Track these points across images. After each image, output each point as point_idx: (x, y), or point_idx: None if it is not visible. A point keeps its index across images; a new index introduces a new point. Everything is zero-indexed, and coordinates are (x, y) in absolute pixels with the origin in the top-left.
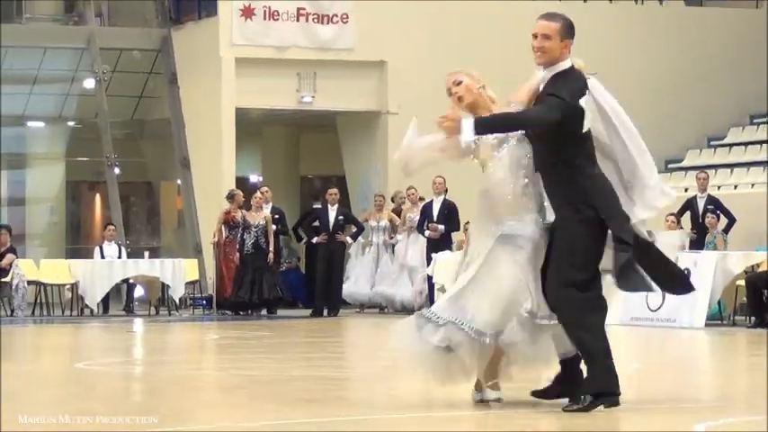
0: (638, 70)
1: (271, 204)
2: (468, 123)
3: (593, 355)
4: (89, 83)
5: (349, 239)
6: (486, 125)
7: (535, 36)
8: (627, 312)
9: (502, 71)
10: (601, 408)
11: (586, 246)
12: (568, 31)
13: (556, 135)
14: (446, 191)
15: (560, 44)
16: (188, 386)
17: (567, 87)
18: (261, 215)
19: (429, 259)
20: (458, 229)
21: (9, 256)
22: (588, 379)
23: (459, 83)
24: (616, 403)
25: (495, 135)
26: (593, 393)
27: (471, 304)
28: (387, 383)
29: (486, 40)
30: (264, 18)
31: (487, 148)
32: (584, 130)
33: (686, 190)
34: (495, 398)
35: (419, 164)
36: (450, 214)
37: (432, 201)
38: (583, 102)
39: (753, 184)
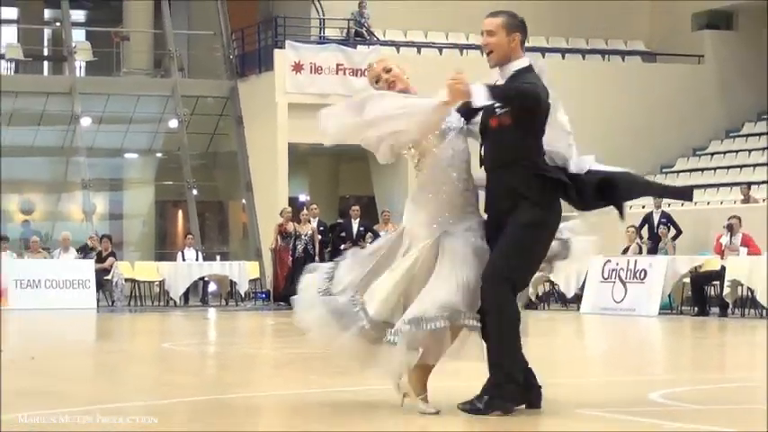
0: (606, 113)
1: (317, 219)
2: (479, 88)
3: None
4: (173, 123)
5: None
6: (499, 93)
7: (482, 34)
8: (596, 303)
9: None
10: (498, 413)
11: (534, 249)
12: (514, 24)
13: (525, 127)
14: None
15: (507, 39)
16: (251, 362)
17: (534, 83)
18: (308, 227)
19: None
20: None
21: (110, 260)
22: (493, 382)
23: (390, 70)
24: (509, 412)
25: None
26: (491, 396)
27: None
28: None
29: None
30: (310, 72)
31: (429, 141)
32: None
33: (643, 207)
34: (434, 411)
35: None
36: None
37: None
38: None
39: (696, 203)
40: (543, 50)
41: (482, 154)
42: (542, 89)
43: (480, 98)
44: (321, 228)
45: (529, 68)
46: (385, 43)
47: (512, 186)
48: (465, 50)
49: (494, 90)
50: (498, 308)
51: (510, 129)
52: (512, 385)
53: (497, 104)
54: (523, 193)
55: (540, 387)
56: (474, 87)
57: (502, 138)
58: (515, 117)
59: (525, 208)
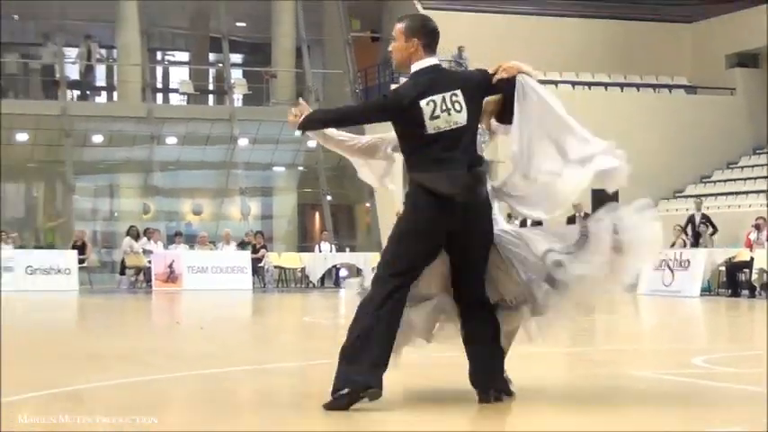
0: (657, 134)
1: None
2: (295, 122)
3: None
4: (311, 143)
5: None
6: (305, 125)
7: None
8: (650, 286)
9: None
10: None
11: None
12: (413, 28)
13: (400, 133)
14: None
15: (405, 44)
16: None
17: (400, 86)
18: None
19: None
20: None
21: (262, 251)
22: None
23: None
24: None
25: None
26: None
27: None
28: None
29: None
30: None
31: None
32: (428, 131)
33: (687, 209)
34: None
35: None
36: None
37: None
38: (424, 102)
39: (729, 206)
40: (606, 84)
41: None
42: (398, 94)
43: (297, 132)
44: None
45: (426, 70)
46: None
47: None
48: (543, 84)
49: (303, 123)
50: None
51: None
52: None
53: None
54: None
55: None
56: (289, 120)
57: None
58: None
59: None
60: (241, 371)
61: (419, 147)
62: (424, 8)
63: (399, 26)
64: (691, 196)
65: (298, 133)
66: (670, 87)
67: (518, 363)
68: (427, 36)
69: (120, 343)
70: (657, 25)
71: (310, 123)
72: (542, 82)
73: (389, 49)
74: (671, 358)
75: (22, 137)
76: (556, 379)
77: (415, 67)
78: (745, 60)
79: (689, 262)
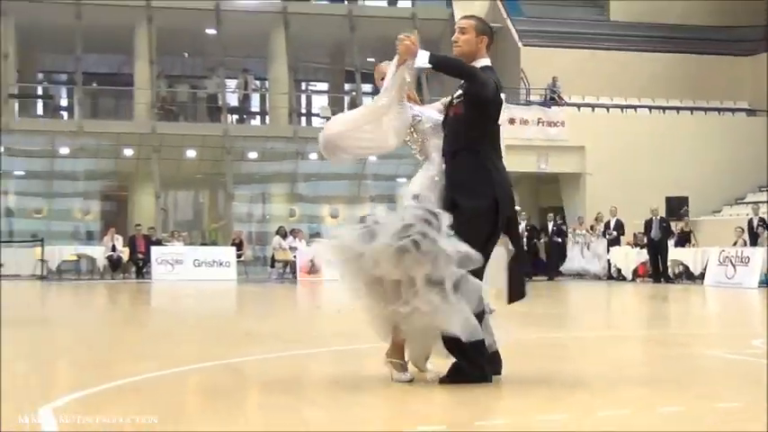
0: (724, 150)
1: (525, 221)
2: (424, 52)
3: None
4: None
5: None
6: (440, 59)
7: (454, 31)
8: (714, 279)
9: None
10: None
11: (477, 237)
12: (483, 28)
13: (473, 117)
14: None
15: (476, 38)
16: None
17: (492, 80)
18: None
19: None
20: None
21: None
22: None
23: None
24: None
25: (432, 122)
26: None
27: None
28: None
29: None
30: (520, 124)
31: (428, 134)
32: (500, 122)
33: (747, 215)
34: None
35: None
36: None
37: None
38: (503, 96)
39: None
40: (678, 108)
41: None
42: (493, 83)
43: (422, 59)
44: (528, 227)
45: (490, 68)
46: (570, 104)
47: (456, 173)
48: (624, 110)
49: (437, 56)
50: None
51: (461, 118)
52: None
53: (456, 95)
54: (464, 182)
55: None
56: (420, 51)
57: (456, 127)
58: (466, 107)
59: (464, 196)
60: (370, 347)
61: (489, 135)
62: (524, 45)
63: (471, 22)
64: (750, 203)
65: (422, 59)
66: (733, 110)
67: (601, 345)
68: (490, 38)
69: (270, 323)
70: (722, 58)
71: (434, 55)
72: (623, 107)
73: (454, 38)
74: (734, 340)
75: (191, 153)
76: (635, 359)
77: (482, 62)
78: None
79: (749, 258)
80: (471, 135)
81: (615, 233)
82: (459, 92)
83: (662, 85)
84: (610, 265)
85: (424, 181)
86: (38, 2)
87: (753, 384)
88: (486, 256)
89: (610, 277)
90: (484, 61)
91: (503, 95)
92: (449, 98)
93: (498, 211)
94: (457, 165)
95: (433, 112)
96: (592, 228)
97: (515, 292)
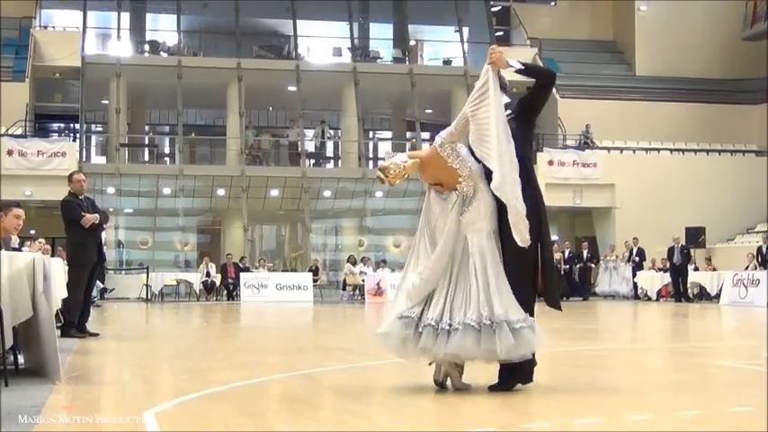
0: (734, 187)
1: (567, 250)
2: (513, 59)
3: None
4: None
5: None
6: (529, 64)
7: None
8: (729, 298)
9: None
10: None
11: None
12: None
13: (523, 133)
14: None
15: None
16: None
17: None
18: (558, 254)
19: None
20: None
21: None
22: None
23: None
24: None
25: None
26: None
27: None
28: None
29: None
30: (557, 165)
31: (475, 177)
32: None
33: (757, 242)
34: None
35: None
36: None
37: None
38: None
39: None
40: (695, 150)
41: None
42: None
43: (515, 63)
44: (570, 254)
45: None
46: (601, 148)
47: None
48: (648, 152)
49: (526, 62)
50: None
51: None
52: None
53: (508, 111)
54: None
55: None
56: (510, 59)
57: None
58: (518, 123)
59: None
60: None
61: (529, 143)
62: (561, 97)
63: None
64: (760, 232)
65: (514, 63)
66: (743, 152)
67: (630, 355)
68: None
69: (342, 339)
70: (734, 107)
71: (526, 63)
72: (647, 149)
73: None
74: (745, 352)
75: (274, 192)
76: (660, 368)
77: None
78: None
79: (759, 281)
80: (521, 148)
81: (638, 259)
82: (509, 111)
83: (682, 131)
84: (636, 286)
85: (489, 216)
86: (145, 66)
87: (761, 390)
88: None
89: (636, 297)
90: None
91: None
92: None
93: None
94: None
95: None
96: (621, 255)
97: (554, 302)
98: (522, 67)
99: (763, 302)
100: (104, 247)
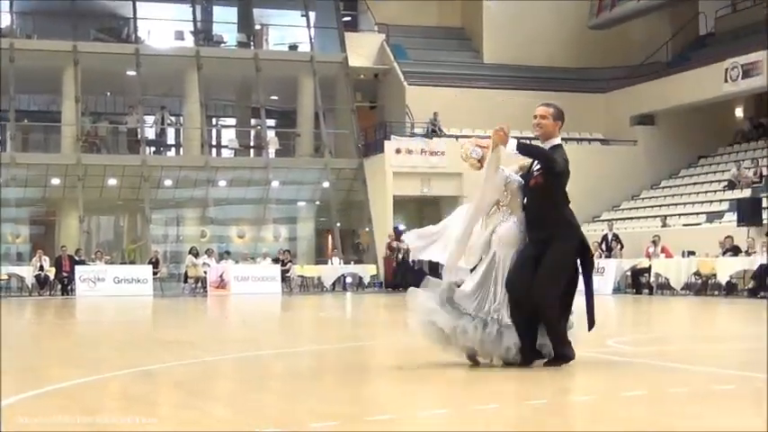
0: (582, 176)
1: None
2: (513, 140)
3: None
4: (326, 184)
5: None
6: (524, 147)
7: (535, 117)
8: None
9: None
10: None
11: (569, 270)
12: (558, 115)
13: (553, 186)
14: None
15: (552, 123)
16: (372, 321)
17: (562, 156)
18: (405, 244)
19: None
20: None
21: (289, 264)
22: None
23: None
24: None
25: (518, 182)
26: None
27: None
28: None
29: None
30: (405, 153)
31: (516, 193)
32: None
33: (603, 230)
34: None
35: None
36: None
37: None
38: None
39: (633, 228)
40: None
41: (525, 204)
42: (563, 159)
43: (510, 146)
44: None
45: (560, 145)
46: (449, 136)
47: (543, 229)
48: None
49: (521, 144)
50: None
51: (541, 186)
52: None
53: (536, 167)
54: (553, 234)
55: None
56: (510, 138)
57: (537, 193)
58: (545, 178)
59: (557, 241)
60: (272, 354)
61: (563, 196)
62: (409, 84)
63: (549, 109)
64: (605, 220)
65: (511, 146)
66: (589, 140)
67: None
68: (563, 121)
69: (183, 333)
70: (581, 95)
71: (520, 144)
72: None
73: (536, 123)
74: (592, 340)
75: (112, 181)
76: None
77: (555, 141)
78: (644, 120)
79: (604, 269)
80: (551, 199)
81: None
82: (539, 166)
83: (529, 119)
84: None
85: (515, 234)
86: None
87: (607, 376)
88: (575, 285)
89: None
90: (556, 140)
91: (569, 168)
92: (527, 164)
93: (583, 250)
94: (542, 222)
95: (515, 175)
96: None
97: (591, 321)
98: (516, 151)
99: (608, 291)
100: None
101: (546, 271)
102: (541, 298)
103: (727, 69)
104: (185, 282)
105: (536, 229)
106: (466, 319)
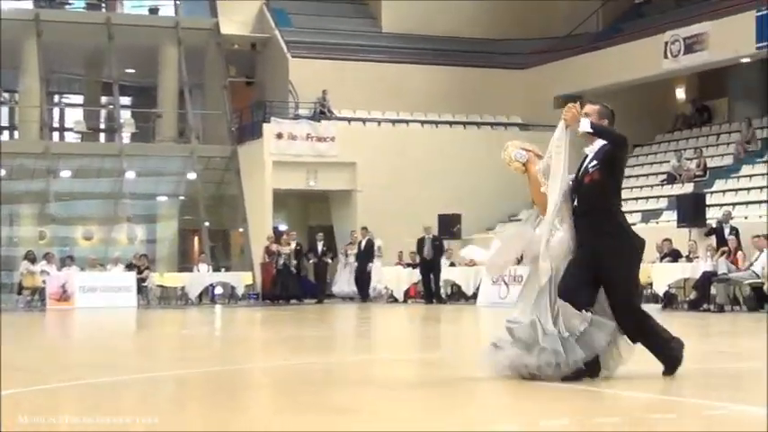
0: (495, 162)
1: (295, 241)
2: (586, 119)
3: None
4: (191, 175)
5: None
6: (597, 126)
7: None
8: (486, 298)
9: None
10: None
11: (632, 278)
12: (605, 113)
13: (611, 183)
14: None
15: (598, 121)
16: (248, 340)
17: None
18: (287, 247)
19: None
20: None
21: (146, 272)
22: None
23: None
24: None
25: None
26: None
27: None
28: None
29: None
30: (288, 139)
31: (567, 197)
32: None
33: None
34: None
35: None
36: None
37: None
38: None
39: None
40: (452, 122)
41: (575, 203)
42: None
43: (584, 125)
44: (298, 247)
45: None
46: (340, 119)
47: (598, 234)
48: (395, 123)
49: (595, 124)
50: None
51: (598, 183)
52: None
53: (590, 163)
54: (608, 231)
55: None
56: (582, 118)
57: (593, 191)
58: (603, 173)
59: (608, 241)
60: (128, 379)
61: (619, 195)
62: (293, 56)
63: (596, 107)
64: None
65: (585, 126)
66: (506, 125)
67: (360, 370)
68: (611, 120)
69: (16, 355)
70: (496, 71)
71: (595, 125)
72: (395, 121)
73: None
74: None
75: None
76: (405, 382)
77: (602, 141)
78: (570, 101)
79: (522, 277)
80: (607, 198)
81: (368, 254)
82: (594, 162)
83: (436, 99)
84: (365, 285)
85: (567, 246)
86: None
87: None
88: (640, 292)
89: (365, 299)
90: (602, 141)
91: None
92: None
93: (641, 256)
94: (594, 224)
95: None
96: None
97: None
98: (591, 130)
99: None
100: None
101: (618, 290)
102: (628, 316)
103: (666, 43)
104: (19, 293)
105: (587, 237)
106: (543, 355)
